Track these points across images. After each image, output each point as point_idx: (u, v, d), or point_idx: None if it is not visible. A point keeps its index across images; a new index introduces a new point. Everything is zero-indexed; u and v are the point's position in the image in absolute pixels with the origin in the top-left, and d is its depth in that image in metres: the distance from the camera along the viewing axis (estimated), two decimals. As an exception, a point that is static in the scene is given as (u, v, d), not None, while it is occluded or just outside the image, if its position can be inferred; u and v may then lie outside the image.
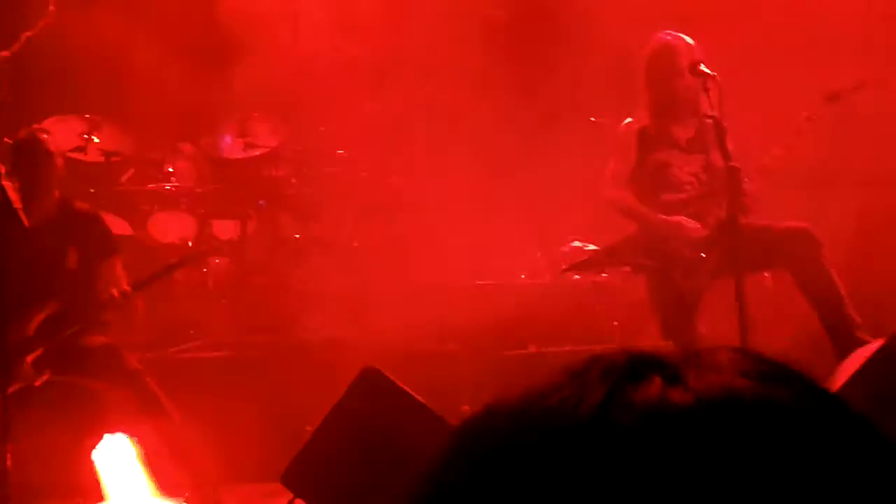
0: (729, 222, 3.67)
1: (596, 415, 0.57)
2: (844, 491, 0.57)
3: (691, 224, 4.06)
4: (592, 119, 4.56)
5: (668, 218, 4.07)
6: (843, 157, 6.16)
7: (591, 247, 5.04)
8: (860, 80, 3.97)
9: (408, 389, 3.33)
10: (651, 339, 4.04)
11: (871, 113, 5.70)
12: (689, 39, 4.01)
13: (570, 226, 5.47)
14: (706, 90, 3.72)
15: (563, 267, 4.81)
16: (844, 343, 3.74)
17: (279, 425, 4.44)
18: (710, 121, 3.73)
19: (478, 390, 4.30)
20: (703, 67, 3.71)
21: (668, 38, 4.05)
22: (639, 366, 0.60)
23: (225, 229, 5.61)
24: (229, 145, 5.73)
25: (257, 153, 5.72)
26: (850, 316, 3.83)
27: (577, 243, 5.22)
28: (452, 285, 5.26)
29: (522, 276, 5.64)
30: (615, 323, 5.11)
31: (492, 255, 5.56)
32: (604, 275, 4.82)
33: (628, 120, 4.20)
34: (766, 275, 4.30)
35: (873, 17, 6.30)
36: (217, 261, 5.31)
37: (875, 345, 3.26)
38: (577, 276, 4.95)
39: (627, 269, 4.25)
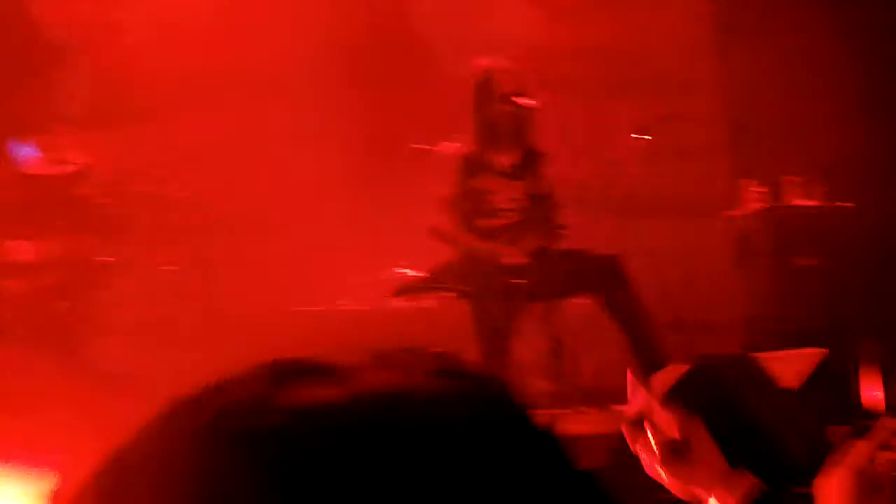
0: (542, 249, 3.66)
1: (248, 415, 0.59)
2: (489, 482, 0.59)
3: (507, 251, 4.14)
4: (415, 146, 4.68)
5: (485, 244, 4.16)
6: (653, 187, 6.37)
7: (414, 273, 5.05)
8: (669, 114, 4.03)
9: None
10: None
11: (675, 143, 5.99)
12: (512, 67, 4.14)
13: (396, 251, 5.47)
14: (525, 119, 3.92)
15: (390, 293, 4.79)
16: (651, 370, 3.77)
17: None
18: (529, 149, 3.94)
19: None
20: (519, 98, 3.87)
21: (492, 65, 4.12)
22: (300, 368, 0.62)
23: (21, 250, 5.27)
24: (34, 159, 5.42)
25: (66, 169, 5.45)
26: (657, 344, 3.97)
27: (402, 269, 5.25)
28: (267, 312, 5.16)
29: (343, 303, 5.65)
30: (438, 349, 5.15)
31: (313, 280, 5.53)
32: (426, 301, 4.86)
33: (452, 146, 4.33)
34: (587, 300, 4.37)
35: (680, 56, 6.59)
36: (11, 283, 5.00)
37: (678, 370, 3.28)
38: (401, 303, 4.95)
39: (450, 294, 4.31)
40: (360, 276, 5.63)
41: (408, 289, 4.46)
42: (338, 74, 5.73)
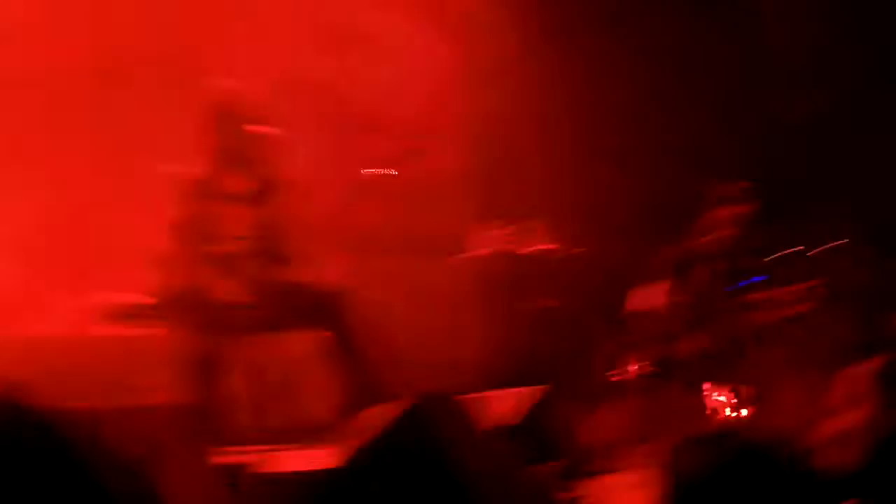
0: (268, 280, 3.84)
1: None
2: None
3: (231, 280, 4.12)
4: (149, 165, 4.54)
5: (208, 272, 4.10)
6: (392, 223, 6.44)
7: (129, 299, 4.81)
8: (411, 149, 4.04)
9: None
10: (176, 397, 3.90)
11: (416, 181, 6.07)
12: (253, 93, 4.15)
13: (114, 276, 5.18)
14: (263, 147, 3.91)
15: (97, 318, 4.60)
16: (366, 404, 3.79)
17: None
18: (265, 177, 3.91)
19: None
20: (257, 125, 3.90)
21: (228, 87, 4.10)
22: None
23: None
24: None
25: None
26: (375, 382, 3.97)
27: (118, 294, 4.96)
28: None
29: (40, 328, 5.29)
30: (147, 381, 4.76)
31: (12, 304, 5.26)
32: (136, 330, 4.63)
33: (186, 167, 4.22)
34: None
35: (431, 96, 6.67)
36: None
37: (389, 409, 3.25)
38: (108, 330, 4.74)
39: (164, 323, 4.18)
40: (68, 299, 5.37)
41: (118, 315, 4.28)
42: (87, 82, 5.64)
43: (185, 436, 3.06)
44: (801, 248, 4.26)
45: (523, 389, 4.32)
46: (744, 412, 4.03)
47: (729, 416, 3.48)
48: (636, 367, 5.05)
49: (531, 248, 6.25)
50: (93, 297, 5.04)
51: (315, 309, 4.03)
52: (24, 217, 5.32)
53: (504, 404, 4.14)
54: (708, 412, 4.11)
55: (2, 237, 5.31)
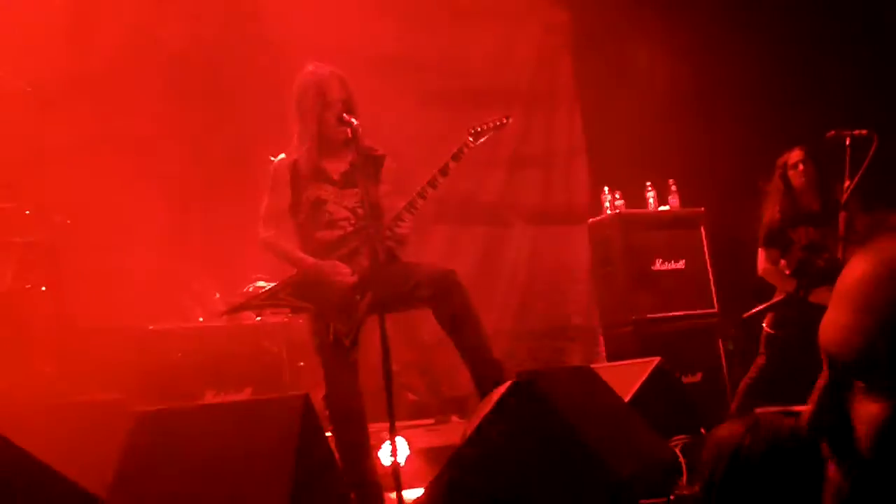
0: (374, 261, 3.67)
1: None
2: None
3: (342, 269, 3.91)
4: (273, 158, 4.06)
5: (320, 262, 3.89)
6: (507, 194, 6.52)
7: (260, 285, 4.93)
8: (503, 118, 3.98)
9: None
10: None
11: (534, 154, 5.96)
12: (338, 72, 3.94)
13: (255, 265, 5.23)
14: (357, 128, 3.66)
15: (223, 310, 4.56)
16: (487, 383, 3.67)
17: None
18: (361, 156, 3.69)
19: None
20: (350, 107, 3.73)
21: (316, 69, 3.93)
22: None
23: None
24: None
25: None
26: (492, 355, 3.79)
27: (261, 283, 5.02)
28: (121, 330, 4.98)
29: (200, 319, 5.38)
30: (301, 364, 5.05)
31: (170, 296, 5.37)
32: (258, 318, 4.77)
33: (281, 156, 3.98)
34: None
35: (535, 67, 6.70)
36: None
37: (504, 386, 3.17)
38: (258, 318, 4.85)
39: (286, 311, 3.99)
40: (217, 292, 5.44)
41: (240, 306, 4.13)
42: (193, 85, 5.69)
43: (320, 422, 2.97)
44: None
45: (642, 360, 4.28)
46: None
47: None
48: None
49: (650, 212, 6.12)
50: (244, 288, 5.10)
51: (433, 287, 3.81)
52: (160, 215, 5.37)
53: (626, 373, 4.08)
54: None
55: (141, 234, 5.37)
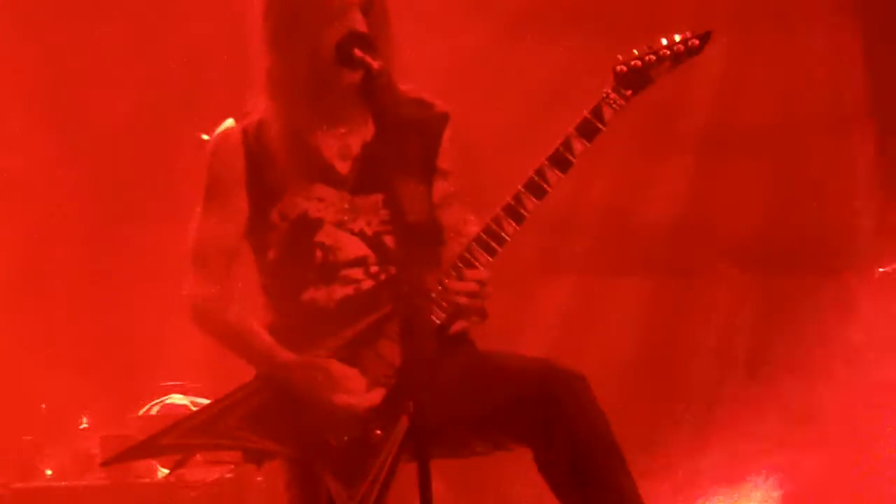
0: (414, 353, 3.10)
1: None
2: None
3: (349, 375, 3.43)
4: (204, 136, 3.80)
5: (307, 361, 3.45)
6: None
7: (200, 401, 4.79)
8: (690, 37, 3.58)
9: None
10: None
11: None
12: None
13: (170, 359, 5.33)
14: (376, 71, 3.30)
15: (105, 458, 4.10)
16: None
17: None
18: (395, 123, 3.30)
19: None
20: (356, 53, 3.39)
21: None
22: None
23: None
24: None
25: None
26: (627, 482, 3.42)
27: (178, 397, 4.94)
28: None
29: (49, 473, 5.28)
30: None
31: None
32: (170, 471, 4.26)
33: (227, 123, 3.59)
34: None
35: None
36: None
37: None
38: (169, 471, 4.37)
39: (236, 456, 3.52)
40: (90, 419, 5.33)
41: (140, 449, 3.52)
42: None
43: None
44: None
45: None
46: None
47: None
48: None
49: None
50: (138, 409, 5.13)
51: (538, 409, 3.40)
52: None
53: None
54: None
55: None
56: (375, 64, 3.33)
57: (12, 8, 6.01)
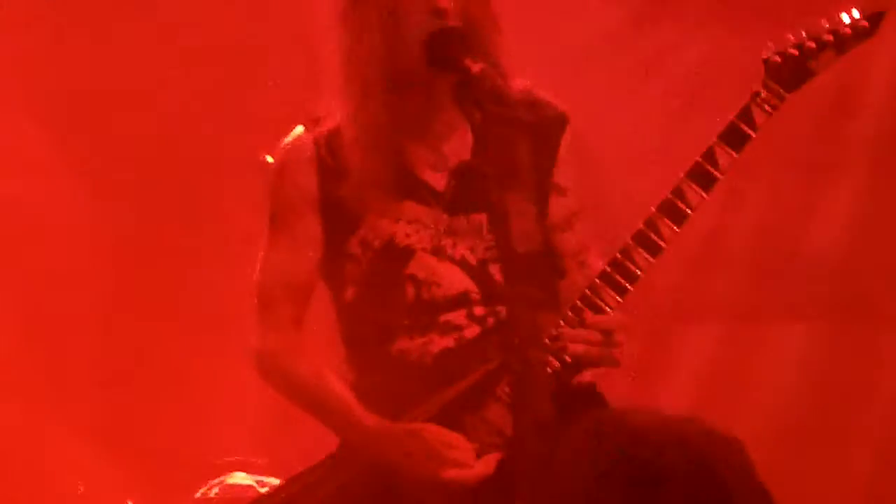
0: (532, 415, 3.20)
1: None
2: None
3: (456, 444, 3.47)
4: (269, 158, 3.84)
5: (402, 428, 3.50)
6: None
7: (268, 480, 4.80)
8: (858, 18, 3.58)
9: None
10: None
11: None
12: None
13: (232, 428, 5.41)
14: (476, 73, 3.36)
15: None
16: None
17: None
18: (503, 127, 3.35)
19: None
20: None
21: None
22: None
23: None
24: None
25: None
26: None
27: (241, 476, 4.94)
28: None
29: None
30: None
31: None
32: None
33: (297, 131, 3.67)
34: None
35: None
36: None
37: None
38: None
39: None
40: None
41: None
42: None
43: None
44: None
45: None
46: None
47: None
48: None
49: None
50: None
51: (686, 482, 3.13)
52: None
53: None
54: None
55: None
56: (475, 67, 3.34)
57: (30, 22, 6.07)
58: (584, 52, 5.83)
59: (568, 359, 3.46)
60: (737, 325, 6.09)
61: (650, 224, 3.43)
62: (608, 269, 3.42)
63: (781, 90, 3.49)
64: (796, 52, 3.54)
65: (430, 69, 3.47)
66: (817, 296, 6.29)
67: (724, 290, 6.07)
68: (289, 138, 3.68)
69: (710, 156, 3.44)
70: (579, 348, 3.44)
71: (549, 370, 3.46)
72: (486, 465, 3.49)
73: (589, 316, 3.45)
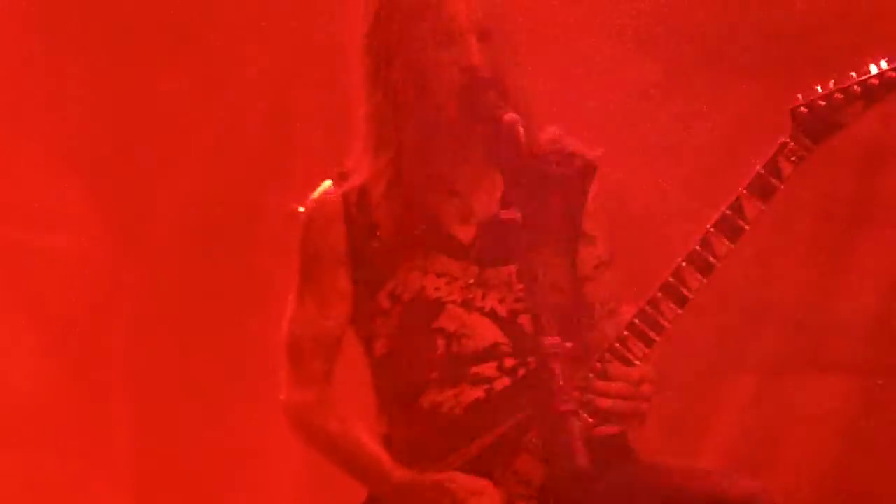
0: (564, 465, 3.06)
1: None
2: None
3: (483, 490, 3.47)
4: (300, 209, 3.82)
5: (429, 479, 3.50)
6: None
7: None
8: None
9: None
10: None
11: None
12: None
13: (259, 486, 5.47)
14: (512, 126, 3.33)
15: None
16: None
17: None
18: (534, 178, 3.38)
19: None
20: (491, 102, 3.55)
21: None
22: None
23: None
24: None
25: None
26: None
27: None
28: None
29: None
30: None
31: None
32: None
33: (325, 185, 3.68)
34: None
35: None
36: None
37: None
38: None
39: None
40: None
41: None
42: None
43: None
44: None
45: None
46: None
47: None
48: None
49: None
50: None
51: None
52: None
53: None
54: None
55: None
56: (507, 117, 3.32)
57: (56, 60, 6.03)
58: (621, 106, 5.76)
59: (594, 413, 3.44)
60: (775, 379, 5.96)
61: (677, 275, 3.41)
62: (635, 321, 3.40)
63: (809, 141, 3.47)
64: (824, 103, 3.52)
65: (462, 121, 3.46)
66: (853, 350, 6.10)
67: (763, 344, 5.94)
68: (316, 193, 3.68)
69: (737, 206, 3.41)
70: (607, 402, 3.41)
71: (578, 423, 3.36)
72: None
73: (615, 368, 3.42)
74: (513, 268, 3.54)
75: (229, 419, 5.61)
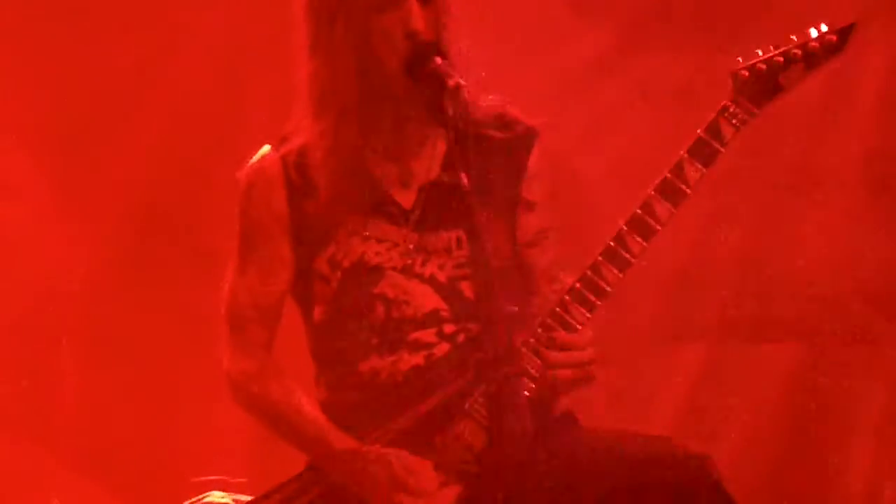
0: (503, 437, 3.12)
1: None
2: None
3: (419, 469, 3.47)
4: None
5: (370, 453, 3.49)
6: None
7: (244, 498, 4.39)
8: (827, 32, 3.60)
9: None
10: None
11: None
12: None
13: (205, 447, 5.41)
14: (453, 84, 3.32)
15: None
16: None
17: None
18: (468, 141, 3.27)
19: None
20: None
21: None
22: None
23: None
24: None
25: None
26: None
27: (219, 495, 4.67)
28: None
29: None
30: None
31: None
32: None
33: (264, 150, 3.65)
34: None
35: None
36: None
37: None
38: None
39: None
40: None
41: None
42: None
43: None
44: None
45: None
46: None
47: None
48: None
49: None
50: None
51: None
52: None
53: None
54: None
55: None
56: (451, 81, 3.30)
57: (2, 31, 6.01)
58: (573, 75, 5.82)
59: (537, 373, 3.40)
60: (720, 347, 6.00)
61: (619, 239, 3.41)
62: (577, 286, 3.39)
63: (750, 105, 3.48)
64: (764, 67, 3.52)
65: (404, 85, 3.44)
66: (803, 317, 6.14)
67: (708, 312, 5.99)
68: (255, 158, 3.66)
69: (678, 170, 3.42)
70: (567, 373, 3.40)
71: (525, 391, 3.43)
72: (445, 498, 3.48)
73: (560, 335, 3.41)
74: (453, 234, 3.53)
75: (178, 390, 5.59)
